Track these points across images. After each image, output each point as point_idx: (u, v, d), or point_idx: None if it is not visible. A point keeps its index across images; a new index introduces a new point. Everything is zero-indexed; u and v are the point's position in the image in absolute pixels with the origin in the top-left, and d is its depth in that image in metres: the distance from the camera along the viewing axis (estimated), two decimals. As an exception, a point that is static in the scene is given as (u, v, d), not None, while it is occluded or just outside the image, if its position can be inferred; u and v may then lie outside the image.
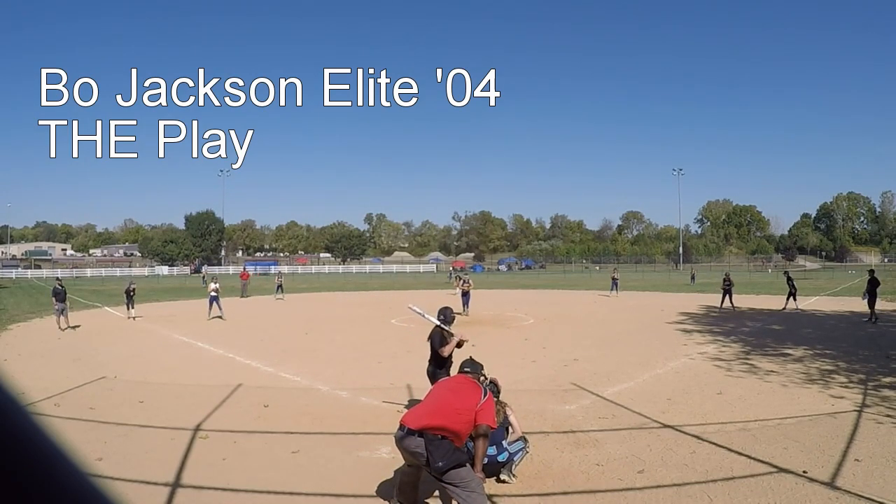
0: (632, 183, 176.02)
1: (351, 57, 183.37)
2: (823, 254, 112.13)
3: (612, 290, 28.61)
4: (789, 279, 20.99)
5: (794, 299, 20.50)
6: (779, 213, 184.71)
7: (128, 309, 18.80)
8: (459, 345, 6.34)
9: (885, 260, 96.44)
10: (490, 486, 4.87)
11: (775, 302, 23.24)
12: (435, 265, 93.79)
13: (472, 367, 4.80)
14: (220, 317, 18.77)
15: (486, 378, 4.91)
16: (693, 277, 41.35)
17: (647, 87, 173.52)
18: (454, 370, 5.61)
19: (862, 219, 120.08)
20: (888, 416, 6.74)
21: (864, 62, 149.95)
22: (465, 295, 20.17)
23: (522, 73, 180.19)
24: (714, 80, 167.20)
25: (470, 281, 21.12)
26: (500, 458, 5.01)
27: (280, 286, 29.19)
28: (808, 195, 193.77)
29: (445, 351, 6.29)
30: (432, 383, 6.40)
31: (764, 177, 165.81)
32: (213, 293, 19.55)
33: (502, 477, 5.03)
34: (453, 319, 6.56)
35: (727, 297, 20.91)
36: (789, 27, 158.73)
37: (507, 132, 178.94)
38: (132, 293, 18.92)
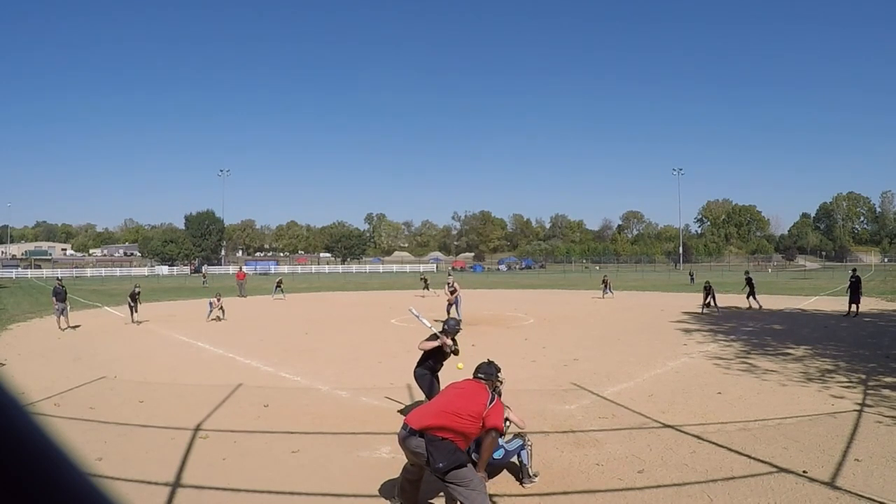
0: (632, 183, 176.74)
1: (351, 56, 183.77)
2: (823, 254, 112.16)
3: (605, 292, 27.89)
4: (749, 279, 21.53)
5: (754, 298, 20.91)
6: (779, 213, 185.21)
7: (132, 313, 17.56)
8: (454, 351, 6.29)
9: (885, 260, 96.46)
10: (490, 485, 4.87)
11: (775, 302, 23.27)
12: (435, 265, 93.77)
13: (486, 373, 4.74)
14: (219, 318, 18.76)
15: (501, 383, 4.84)
16: (692, 277, 41.36)
17: (648, 87, 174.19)
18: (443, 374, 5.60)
19: (862, 219, 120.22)
20: (888, 415, 6.74)
21: (865, 62, 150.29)
22: (453, 303, 18.00)
23: (522, 73, 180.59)
24: (714, 80, 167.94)
25: (455, 284, 18.48)
26: (495, 456, 4.99)
27: (280, 286, 29.26)
28: (808, 195, 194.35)
29: (422, 345, 6.35)
30: (419, 384, 6.49)
31: (764, 177, 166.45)
32: (137, 296, 18.15)
33: (525, 484, 4.98)
34: (457, 331, 6.56)
35: (710, 298, 19.87)
36: (789, 27, 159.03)
37: (507, 132, 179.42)
38: (137, 297, 17.78)
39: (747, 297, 21.25)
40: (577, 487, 4.91)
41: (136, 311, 17.68)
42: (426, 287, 31.63)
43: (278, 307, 24.58)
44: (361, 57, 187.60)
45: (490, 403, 4.37)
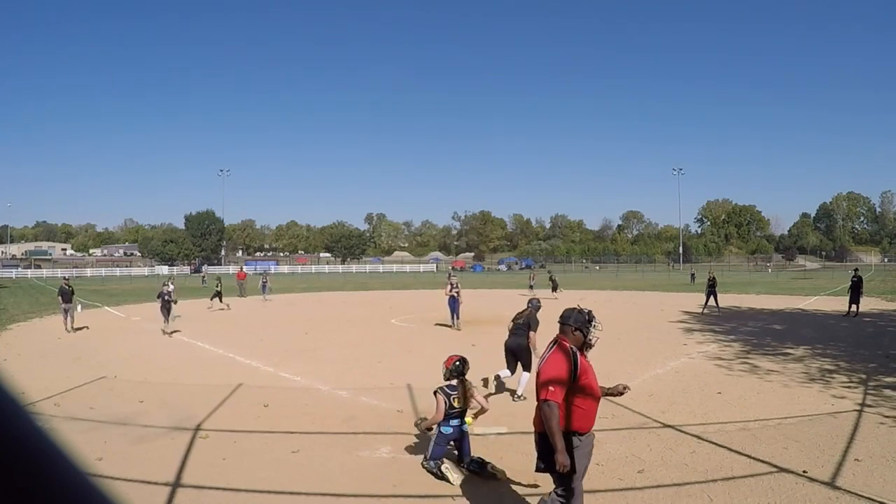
0: (632, 183, 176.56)
1: (351, 56, 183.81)
2: (823, 253, 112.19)
3: (553, 291, 27.37)
4: (551, 278, 27.03)
5: (553, 291, 26.26)
6: (779, 213, 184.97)
7: (165, 321, 15.29)
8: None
9: (885, 260, 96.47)
10: (486, 485, 4.87)
11: (775, 302, 23.28)
12: (435, 265, 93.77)
13: (564, 319, 3.86)
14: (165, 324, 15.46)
15: (593, 338, 3.89)
16: (693, 277, 41.37)
17: (648, 86, 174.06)
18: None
19: (862, 218, 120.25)
20: (889, 415, 6.74)
21: (865, 62, 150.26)
22: (454, 301, 16.22)
23: (522, 72, 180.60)
24: (714, 80, 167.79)
25: (457, 283, 16.56)
26: (443, 430, 5.26)
27: (265, 284, 28.18)
28: (808, 195, 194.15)
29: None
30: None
31: (764, 177, 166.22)
32: (166, 296, 15.61)
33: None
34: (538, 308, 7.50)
35: (712, 297, 19.55)
36: (789, 26, 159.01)
37: (507, 132, 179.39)
38: (168, 297, 15.44)
39: (552, 291, 26.64)
40: (578, 487, 4.90)
41: (168, 320, 15.30)
42: (217, 296, 22.50)
43: (277, 307, 24.54)
44: (361, 57, 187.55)
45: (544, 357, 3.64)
